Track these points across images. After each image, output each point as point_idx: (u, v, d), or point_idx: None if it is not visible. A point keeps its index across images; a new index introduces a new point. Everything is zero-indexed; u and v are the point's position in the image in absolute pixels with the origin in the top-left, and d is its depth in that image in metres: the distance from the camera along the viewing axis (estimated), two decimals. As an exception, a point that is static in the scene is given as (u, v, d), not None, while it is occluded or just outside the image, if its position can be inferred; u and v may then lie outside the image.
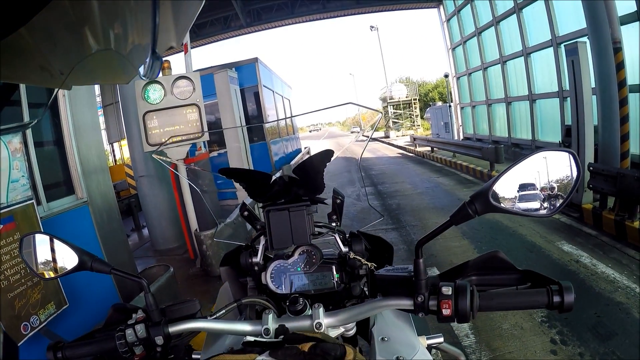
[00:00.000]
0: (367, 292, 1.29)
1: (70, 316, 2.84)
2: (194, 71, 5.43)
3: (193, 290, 4.85)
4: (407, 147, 20.73)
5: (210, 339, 1.22)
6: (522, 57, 10.82)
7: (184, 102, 4.88)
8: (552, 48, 9.41)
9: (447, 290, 0.85)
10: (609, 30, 5.86)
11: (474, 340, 3.27)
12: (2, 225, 2.29)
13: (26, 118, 2.78)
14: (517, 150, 9.23)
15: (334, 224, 1.34)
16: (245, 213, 1.40)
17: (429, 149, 16.33)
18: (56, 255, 0.99)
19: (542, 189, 0.80)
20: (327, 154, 1.14)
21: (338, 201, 1.34)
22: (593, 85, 6.17)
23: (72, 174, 3.46)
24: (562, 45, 8.17)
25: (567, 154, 0.79)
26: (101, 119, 11.93)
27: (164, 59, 4.96)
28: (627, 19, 6.86)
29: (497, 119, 13.13)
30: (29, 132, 2.92)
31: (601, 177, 5.24)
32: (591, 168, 5.47)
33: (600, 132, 6.07)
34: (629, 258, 4.32)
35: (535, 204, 0.82)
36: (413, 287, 0.89)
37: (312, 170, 1.19)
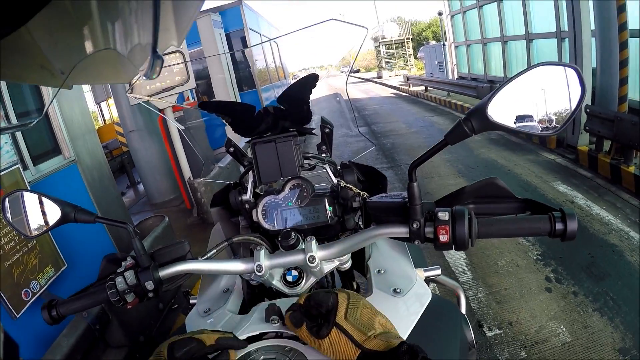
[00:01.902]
0: (361, 225, 1.27)
1: (71, 276, 2.84)
2: (176, 18, 5.14)
3: (192, 239, 4.81)
4: (400, 87, 20.47)
5: (206, 282, 1.21)
6: None
7: (168, 50, 4.67)
8: None
9: (443, 215, 0.79)
10: None
11: (471, 276, 3.36)
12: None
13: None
14: (512, 90, 9.03)
15: (323, 155, 1.30)
16: (231, 149, 1.35)
17: (423, 88, 16.16)
18: (40, 211, 0.95)
19: (540, 121, 0.73)
20: (312, 79, 1.07)
21: (327, 130, 1.29)
22: (592, 27, 5.96)
23: (57, 134, 3.35)
24: None
25: (571, 69, 0.71)
26: None
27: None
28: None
29: (493, 59, 12.78)
30: (7, 100, 2.79)
31: (598, 120, 5.18)
32: (588, 110, 5.40)
33: (599, 75, 5.93)
34: (623, 201, 4.34)
35: (541, 90, 0.73)
36: (408, 213, 0.83)
37: (297, 98, 1.13)
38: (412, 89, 17.80)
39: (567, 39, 7.08)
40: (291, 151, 1.19)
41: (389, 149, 7.92)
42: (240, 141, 1.42)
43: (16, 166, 2.58)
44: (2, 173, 2.42)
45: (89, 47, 0.47)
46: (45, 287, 2.56)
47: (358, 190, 1.14)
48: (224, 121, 1.20)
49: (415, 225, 0.82)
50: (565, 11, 6.45)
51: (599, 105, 5.75)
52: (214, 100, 1.21)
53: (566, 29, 6.94)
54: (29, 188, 2.62)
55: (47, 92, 3.16)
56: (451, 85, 12.56)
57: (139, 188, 8.34)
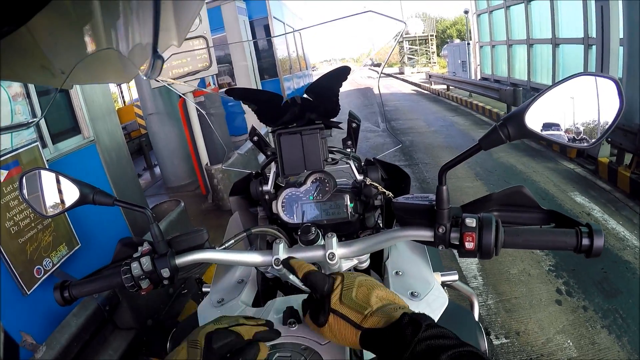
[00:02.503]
0: (381, 224, 1.26)
1: (83, 256, 2.87)
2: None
3: (205, 225, 4.91)
4: (422, 84, 20.23)
5: (220, 271, 1.21)
6: None
7: (191, 35, 4.68)
8: None
9: (471, 222, 0.78)
10: None
11: (482, 282, 3.33)
12: (6, 171, 2.26)
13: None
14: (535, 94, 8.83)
15: (348, 150, 1.27)
16: (255, 138, 1.32)
17: (445, 87, 15.93)
18: (57, 190, 0.94)
19: (575, 132, 0.71)
20: (343, 72, 1.03)
21: (354, 125, 1.25)
22: (621, 35, 5.78)
23: (77, 114, 3.37)
24: None
25: (611, 81, 0.69)
26: None
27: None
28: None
29: (517, 61, 12.53)
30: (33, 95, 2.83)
31: (621, 132, 5.02)
32: None
33: (624, 84, 5.77)
34: (640, 218, 4.24)
35: (578, 103, 0.71)
36: (434, 217, 0.82)
37: (326, 91, 1.10)
38: (434, 87, 17.58)
39: (594, 46, 6.93)
40: (317, 144, 1.17)
41: (407, 147, 7.86)
42: (262, 129, 1.41)
43: (35, 144, 2.61)
44: (20, 150, 2.45)
45: (89, 46, 0.47)
46: (58, 265, 2.59)
47: (383, 190, 1.12)
48: (250, 109, 1.18)
49: (441, 230, 0.81)
50: (594, 17, 6.27)
51: (622, 116, 5.59)
52: (241, 87, 1.19)
53: (594, 35, 6.78)
54: (47, 166, 2.66)
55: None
56: (473, 86, 12.35)
57: (155, 171, 8.44)
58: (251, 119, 8.36)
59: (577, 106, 0.71)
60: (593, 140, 0.71)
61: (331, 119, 1.21)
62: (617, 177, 5.08)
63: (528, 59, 11.38)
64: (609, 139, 5.32)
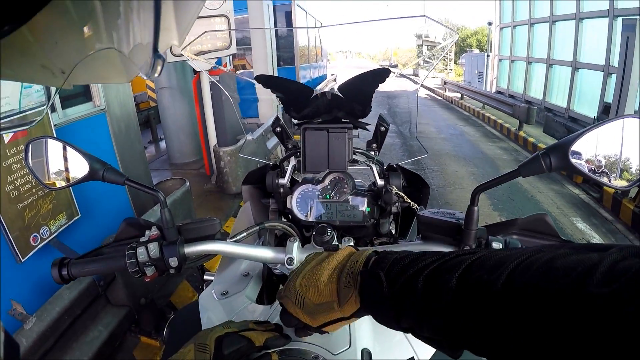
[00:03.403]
0: (394, 232, 1.24)
1: (82, 227, 2.84)
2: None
3: (207, 206, 4.93)
4: (436, 89, 20.14)
5: (226, 261, 1.18)
6: (574, 21, 9.99)
7: (213, 12, 4.64)
8: (607, 19, 8.65)
9: (497, 246, 0.78)
10: None
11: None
12: (12, 133, 2.21)
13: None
14: (549, 115, 8.80)
15: (372, 153, 1.24)
16: (278, 129, 1.29)
17: (459, 95, 15.86)
18: (65, 162, 0.90)
19: (587, 161, 0.71)
20: (383, 73, 1.00)
21: (382, 129, 1.22)
22: None
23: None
24: (620, 19, 7.56)
25: None
26: None
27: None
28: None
29: (535, 79, 12.47)
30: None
31: None
32: None
33: None
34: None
35: (619, 143, 0.72)
36: (459, 235, 0.81)
37: (360, 91, 1.07)
38: (448, 93, 17.50)
39: (614, 75, 6.87)
40: (343, 144, 1.15)
41: (415, 151, 7.83)
42: (272, 115, 1.36)
43: (43, 107, 2.55)
44: (28, 112, 2.41)
45: (90, 46, 0.47)
46: (55, 234, 2.56)
47: (409, 200, 1.09)
48: (277, 98, 1.15)
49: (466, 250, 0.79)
50: (619, 46, 6.21)
51: None
52: (271, 75, 1.15)
53: (615, 64, 6.72)
54: (54, 131, 2.64)
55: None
56: (488, 98, 12.29)
57: (160, 145, 8.41)
58: (263, 105, 8.34)
59: (619, 146, 0.70)
60: (629, 183, 0.71)
61: (359, 119, 1.19)
62: (621, 209, 5.05)
63: (546, 79, 11.33)
64: None
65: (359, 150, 1.23)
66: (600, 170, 0.72)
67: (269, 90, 1.13)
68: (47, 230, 2.49)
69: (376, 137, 1.24)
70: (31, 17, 0.31)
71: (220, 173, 5.20)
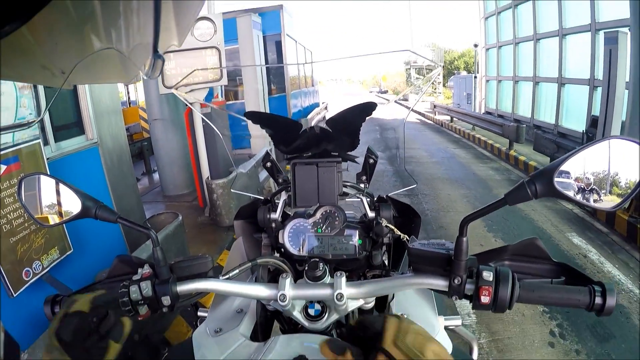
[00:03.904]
0: (386, 263, 1.23)
1: (74, 262, 2.81)
2: (217, 13, 5.22)
3: (200, 239, 4.90)
4: (426, 113, 20.40)
5: (219, 298, 1.16)
6: (557, 38, 10.28)
7: (204, 45, 4.73)
8: (589, 33, 8.92)
9: (488, 275, 0.76)
10: None
11: (475, 320, 3.30)
12: (5, 166, 2.22)
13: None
14: (538, 133, 8.96)
15: (362, 185, 1.24)
16: (268, 164, 1.30)
17: (449, 118, 16.07)
18: (58, 199, 0.91)
19: (576, 179, 0.72)
20: (369, 107, 1.01)
21: (371, 161, 1.23)
22: (627, 79, 5.91)
23: (82, 113, 3.37)
24: (601, 32, 7.79)
25: (637, 145, 0.69)
26: None
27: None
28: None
29: (522, 98, 12.75)
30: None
31: None
32: None
33: (628, 128, 5.85)
34: (636, 262, 4.23)
35: (605, 165, 0.73)
36: (449, 266, 0.80)
37: (348, 124, 1.08)
38: (438, 117, 17.73)
39: (599, 88, 7.01)
40: (333, 178, 1.15)
41: (407, 177, 7.86)
42: (264, 146, 1.38)
43: (37, 141, 2.58)
44: (22, 146, 2.42)
45: (89, 46, 0.47)
46: (48, 269, 2.53)
47: (399, 233, 1.09)
48: (267, 133, 1.15)
49: (457, 281, 0.79)
50: (602, 59, 6.37)
51: None
52: (260, 111, 1.17)
53: (600, 77, 6.87)
54: (47, 165, 2.65)
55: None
56: (477, 119, 12.48)
57: (153, 176, 8.40)
58: (255, 136, 8.40)
59: (605, 168, 0.72)
60: (617, 203, 0.71)
61: (348, 152, 1.19)
62: (615, 220, 5.09)
63: (533, 97, 11.55)
64: None
65: (349, 184, 1.23)
66: (586, 194, 0.73)
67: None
68: (40, 265, 2.46)
69: (365, 170, 1.25)
70: (31, 18, 0.31)
71: (213, 206, 5.19)
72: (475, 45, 17.63)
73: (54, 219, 0.92)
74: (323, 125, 1.10)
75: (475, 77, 17.31)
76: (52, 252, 2.58)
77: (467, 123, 13.60)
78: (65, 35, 0.44)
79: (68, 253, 2.73)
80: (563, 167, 0.71)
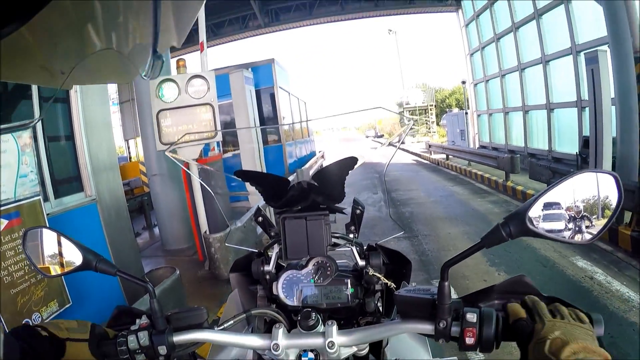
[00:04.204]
0: (381, 309, 1.24)
1: (73, 315, 2.79)
2: (210, 70, 5.43)
3: (200, 293, 4.84)
4: (422, 153, 20.62)
5: (216, 349, 1.19)
6: (541, 65, 10.66)
7: (198, 102, 4.88)
8: (571, 56, 9.25)
9: (471, 317, 0.79)
10: (630, 39, 5.72)
11: (482, 357, 3.18)
12: (7, 221, 2.29)
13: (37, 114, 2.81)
14: (533, 161, 9.07)
15: (351, 236, 1.27)
16: (260, 219, 1.34)
17: (444, 156, 16.22)
18: (60, 252, 0.95)
19: (567, 209, 0.75)
20: (350, 162, 1.08)
21: (358, 212, 1.28)
22: (613, 95, 6.04)
23: (81, 170, 3.47)
24: (582, 54, 8.00)
25: (610, 176, 0.75)
26: (118, 116, 12.17)
27: (180, 57, 4.97)
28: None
29: (514, 128, 13.00)
30: (39, 127, 2.93)
31: None
32: None
33: (619, 144, 5.93)
34: (645, 276, 4.18)
35: (559, 224, 0.77)
36: (435, 310, 0.83)
37: (333, 178, 1.13)
38: (433, 156, 17.90)
39: (587, 108, 7.14)
40: (321, 231, 1.19)
41: (407, 218, 7.83)
42: (260, 200, 1.43)
43: (38, 197, 2.66)
44: (23, 202, 2.48)
45: (89, 47, 0.49)
46: (47, 320, 2.53)
47: (386, 281, 1.12)
48: (257, 190, 1.21)
49: (442, 325, 0.82)
50: (586, 80, 6.55)
51: (619, 175, 5.66)
52: (249, 170, 1.23)
53: (586, 97, 7.01)
54: (47, 220, 2.70)
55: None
56: (472, 155, 12.63)
57: (154, 231, 8.41)
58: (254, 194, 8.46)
59: (577, 202, 0.76)
60: (591, 237, 0.75)
61: (336, 204, 1.24)
62: (618, 237, 5.06)
63: (524, 125, 11.76)
64: None
65: (338, 234, 1.27)
66: (561, 230, 0.76)
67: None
68: (39, 317, 2.48)
69: (353, 220, 1.29)
70: (31, 18, 0.33)
71: (212, 259, 5.17)
72: (463, 82, 18.10)
73: (55, 270, 0.96)
74: (310, 179, 1.16)
75: (466, 113, 17.66)
76: (51, 304, 2.60)
77: (463, 159, 13.73)
78: (65, 36, 0.45)
79: (67, 306, 2.75)
80: (536, 206, 0.75)
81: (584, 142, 7.03)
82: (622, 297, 3.79)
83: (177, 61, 5.28)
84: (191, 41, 16.66)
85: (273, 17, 18.67)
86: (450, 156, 15.69)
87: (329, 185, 1.15)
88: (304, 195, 1.18)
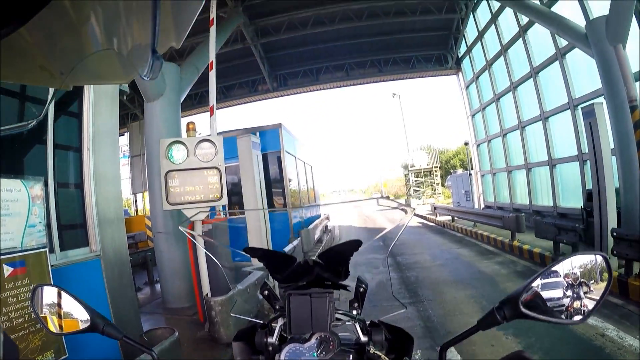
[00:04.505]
0: None
1: (67, 367, 2.76)
2: (218, 133, 5.61)
3: (199, 355, 4.72)
4: (427, 216, 20.50)
5: None
6: (541, 122, 10.91)
7: (206, 165, 4.99)
8: (569, 111, 9.47)
9: None
10: (624, 89, 5.89)
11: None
12: (12, 269, 2.34)
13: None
14: (538, 219, 9.01)
15: (355, 312, 1.30)
16: (266, 292, 1.37)
17: (450, 218, 16.13)
18: (68, 311, 0.99)
19: (559, 291, 0.79)
20: (355, 244, 1.13)
21: (361, 289, 1.31)
22: (612, 146, 6.14)
23: (88, 225, 3.54)
24: (579, 108, 8.22)
25: (600, 256, 0.79)
26: (128, 168, 12.37)
27: (190, 120, 5.18)
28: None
29: (518, 186, 13.06)
30: (50, 180, 3.02)
31: (625, 243, 5.07)
32: (614, 234, 5.31)
33: (622, 194, 5.94)
34: (660, 329, 4.05)
35: (552, 307, 0.80)
36: None
37: (337, 258, 1.18)
38: (439, 218, 17.77)
39: (588, 161, 7.19)
40: (325, 308, 1.22)
41: (412, 283, 7.65)
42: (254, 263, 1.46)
43: (44, 249, 2.71)
44: (30, 252, 2.54)
45: (88, 47, 0.49)
46: (42, 370, 2.50)
47: (386, 358, 1.15)
48: (264, 266, 1.27)
49: None
50: (585, 133, 6.67)
51: (625, 226, 5.63)
52: (258, 247, 1.31)
53: (587, 150, 7.05)
54: (51, 272, 2.73)
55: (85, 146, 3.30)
56: (477, 216, 12.58)
57: (156, 287, 8.29)
58: (255, 240, 8.44)
59: (569, 284, 0.80)
60: (582, 317, 0.80)
61: (340, 282, 1.29)
62: (629, 289, 4.97)
63: (528, 183, 11.81)
64: (615, 252, 5.30)
65: (342, 312, 1.30)
66: (554, 312, 0.80)
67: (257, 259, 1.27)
68: (35, 365, 2.45)
69: (357, 297, 1.33)
70: (30, 19, 0.34)
71: (212, 322, 5.07)
72: (466, 144, 18.41)
73: (62, 328, 1.01)
74: (315, 257, 1.22)
75: (470, 174, 17.81)
76: (47, 354, 2.58)
77: (468, 220, 13.67)
78: (64, 37, 0.47)
79: (63, 357, 2.71)
80: (528, 291, 0.80)
81: (588, 196, 7.02)
82: (636, 352, 3.68)
83: (187, 124, 5.45)
84: (203, 102, 17.47)
85: (281, 82, 19.30)
86: (455, 218, 15.63)
87: (334, 265, 1.20)
88: (309, 270, 1.22)
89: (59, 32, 0.45)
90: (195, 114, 18.98)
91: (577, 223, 6.94)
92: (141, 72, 0.52)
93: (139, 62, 0.52)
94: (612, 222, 5.75)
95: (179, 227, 1.91)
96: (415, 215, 23.50)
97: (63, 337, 2.70)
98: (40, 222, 2.70)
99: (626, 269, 5.20)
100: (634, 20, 6.44)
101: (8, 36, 0.34)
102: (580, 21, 7.95)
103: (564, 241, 7.22)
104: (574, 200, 9.47)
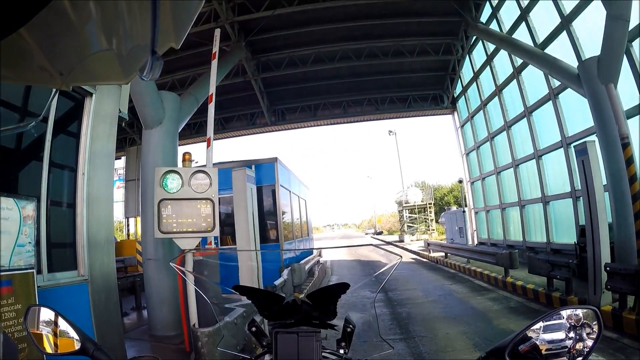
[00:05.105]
0: None
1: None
2: (214, 164, 5.64)
3: (183, 385, 4.59)
4: (420, 252, 20.39)
5: None
6: (534, 160, 11.06)
7: (200, 196, 5.00)
8: (562, 149, 9.62)
9: None
10: (615, 127, 6.02)
11: None
12: (-1, 287, 2.32)
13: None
14: (531, 255, 8.99)
15: (342, 351, 1.31)
16: (253, 329, 1.38)
17: (443, 254, 16.06)
18: (59, 333, 0.99)
19: (548, 343, 0.80)
20: (343, 287, 1.15)
21: (349, 330, 1.33)
22: (605, 182, 6.20)
23: (77, 248, 3.51)
24: (572, 146, 8.33)
25: (590, 310, 0.81)
26: (122, 191, 12.30)
27: (186, 150, 5.22)
28: (633, 112, 7.03)
29: (511, 223, 13.11)
30: (43, 201, 3.02)
31: (619, 277, 5.10)
32: (608, 268, 5.34)
33: (615, 229, 5.98)
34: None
35: (546, 345, 0.81)
36: None
37: (325, 299, 1.20)
38: (432, 254, 17.68)
39: (581, 197, 7.27)
40: (312, 347, 1.21)
41: (404, 319, 7.53)
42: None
43: (31, 270, 2.68)
44: (16, 272, 2.51)
45: (88, 48, 0.49)
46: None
47: None
48: (253, 304, 1.28)
49: None
50: (578, 170, 6.74)
51: (618, 260, 5.66)
52: (247, 286, 1.34)
53: (580, 187, 7.14)
54: (37, 293, 2.70)
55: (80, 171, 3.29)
56: (470, 252, 12.55)
57: (143, 313, 8.12)
58: (245, 275, 8.35)
59: (559, 336, 0.82)
60: None
61: (327, 321, 1.29)
62: (623, 323, 4.95)
63: (521, 220, 11.87)
64: (609, 286, 5.33)
65: (329, 351, 1.31)
66: (546, 336, 0.82)
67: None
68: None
69: (344, 337, 1.34)
70: (30, 19, 0.35)
71: (198, 353, 4.97)
72: (460, 181, 18.58)
73: (52, 349, 1.01)
74: (303, 297, 1.25)
75: (464, 211, 17.87)
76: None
77: (462, 257, 13.61)
78: (64, 37, 0.47)
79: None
80: (516, 343, 0.81)
81: (581, 232, 7.07)
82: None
83: (184, 154, 5.48)
84: (201, 132, 17.58)
85: (280, 116, 19.50)
86: (449, 254, 15.56)
87: (322, 305, 1.21)
88: (297, 309, 1.23)
89: (59, 33, 0.46)
90: (192, 144, 19.09)
91: (571, 259, 6.98)
92: (141, 72, 0.53)
93: (139, 62, 0.53)
94: (605, 257, 5.76)
95: (170, 263, 1.92)
96: (408, 251, 23.39)
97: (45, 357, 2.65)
98: (29, 242, 2.69)
99: (620, 303, 5.21)
100: (624, 59, 6.64)
101: (8, 36, 0.34)
102: (572, 61, 8.19)
103: (557, 277, 7.21)
104: (567, 236, 9.51)
